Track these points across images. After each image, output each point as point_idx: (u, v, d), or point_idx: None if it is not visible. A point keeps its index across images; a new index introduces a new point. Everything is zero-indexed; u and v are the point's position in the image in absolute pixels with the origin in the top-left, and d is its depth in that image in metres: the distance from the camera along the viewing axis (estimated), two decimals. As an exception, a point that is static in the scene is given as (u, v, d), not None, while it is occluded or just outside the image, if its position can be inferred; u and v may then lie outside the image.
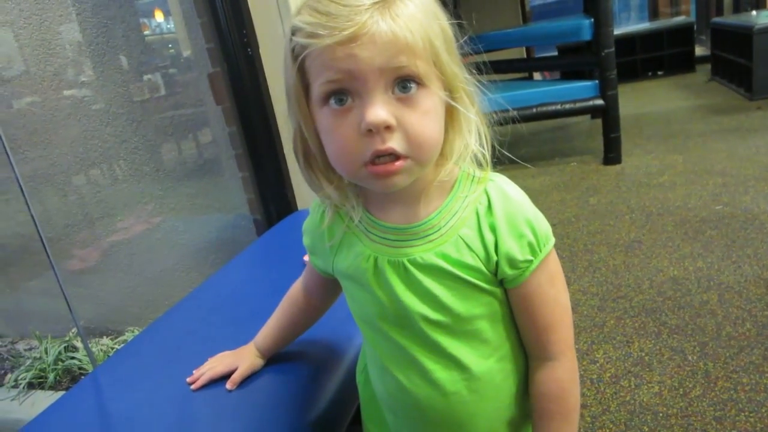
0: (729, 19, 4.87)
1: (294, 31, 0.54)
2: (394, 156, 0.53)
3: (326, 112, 0.55)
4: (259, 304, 1.12)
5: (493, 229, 0.61)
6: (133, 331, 1.79)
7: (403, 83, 0.53)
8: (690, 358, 1.58)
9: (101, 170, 2.01)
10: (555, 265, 0.64)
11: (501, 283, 0.63)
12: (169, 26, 2.51)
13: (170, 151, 2.29)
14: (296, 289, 0.86)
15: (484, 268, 0.61)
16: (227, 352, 0.91)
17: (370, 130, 0.52)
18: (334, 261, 0.69)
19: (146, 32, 2.54)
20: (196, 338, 1.06)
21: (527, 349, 0.68)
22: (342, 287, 0.73)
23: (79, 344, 1.80)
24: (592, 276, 2.12)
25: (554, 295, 0.64)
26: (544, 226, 0.63)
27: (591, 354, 1.68)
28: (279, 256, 1.41)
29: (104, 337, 1.83)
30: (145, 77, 2.27)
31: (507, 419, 0.69)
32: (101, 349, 1.78)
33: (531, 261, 0.62)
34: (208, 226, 2.03)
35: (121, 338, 1.80)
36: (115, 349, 1.75)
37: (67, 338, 1.80)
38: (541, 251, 0.62)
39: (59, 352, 1.76)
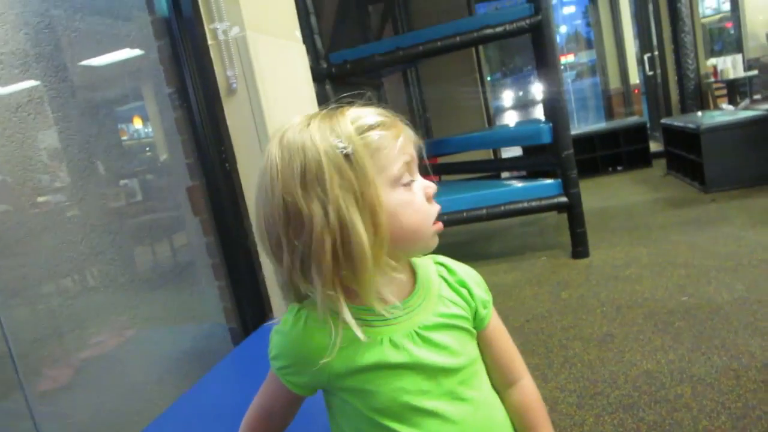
0: (677, 120, 5.23)
1: (363, 130, 0.69)
2: None
3: (401, 190, 0.70)
4: (238, 419, 1.11)
5: (462, 284, 0.78)
6: (103, 451, 1.72)
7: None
8: (670, 455, 1.58)
9: (73, 281, 2.00)
10: None
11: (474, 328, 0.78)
12: (149, 133, 2.61)
13: (146, 261, 2.30)
14: (253, 419, 0.83)
15: (468, 315, 0.77)
16: None
17: (431, 195, 0.72)
18: (332, 367, 0.70)
19: (124, 138, 2.64)
20: (171, 459, 1.04)
21: (501, 380, 0.81)
22: (340, 393, 0.73)
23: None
24: (569, 372, 2.14)
25: (504, 328, 0.82)
26: None
27: (572, 455, 1.66)
28: (256, 366, 1.41)
29: (72, 458, 1.75)
30: (123, 184, 2.33)
31: None
32: (68, 472, 1.70)
33: (489, 302, 0.80)
34: (183, 336, 2.01)
35: (89, 459, 1.72)
36: (82, 472, 1.67)
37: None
38: (490, 294, 0.81)
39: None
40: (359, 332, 0.68)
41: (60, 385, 1.59)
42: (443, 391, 0.72)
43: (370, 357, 0.70)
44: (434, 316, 0.73)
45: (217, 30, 1.80)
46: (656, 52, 7.18)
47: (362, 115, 0.70)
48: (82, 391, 1.66)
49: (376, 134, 0.69)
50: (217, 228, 1.89)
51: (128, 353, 1.85)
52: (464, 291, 0.77)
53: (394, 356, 0.70)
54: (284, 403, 0.80)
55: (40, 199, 2.00)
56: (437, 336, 0.72)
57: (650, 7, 7.07)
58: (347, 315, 0.68)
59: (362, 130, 0.68)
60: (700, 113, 5.25)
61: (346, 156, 0.66)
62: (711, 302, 2.48)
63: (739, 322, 2.24)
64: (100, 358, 1.73)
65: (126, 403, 1.75)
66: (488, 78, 8.15)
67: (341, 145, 0.66)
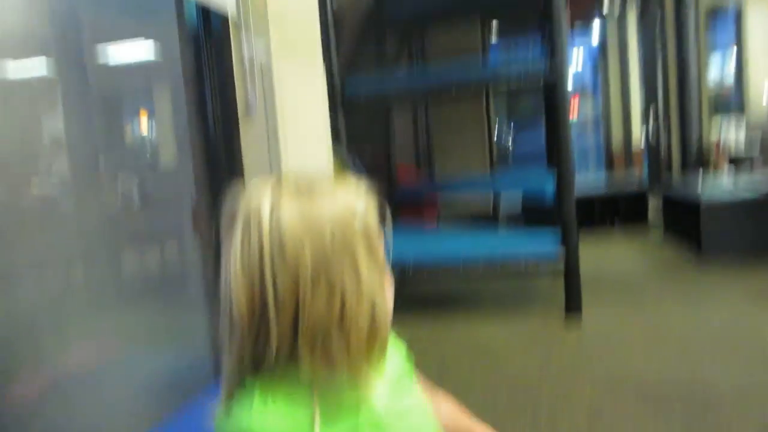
0: (678, 190, 5.25)
1: (370, 208, 0.70)
2: None
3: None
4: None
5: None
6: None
7: None
8: None
9: (57, 285, 1.91)
10: None
11: None
12: (159, 139, 2.54)
13: (138, 271, 2.22)
14: None
15: None
16: None
17: None
18: None
19: (135, 143, 2.57)
20: None
21: None
22: None
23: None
24: (556, 444, 2.07)
25: None
26: None
27: None
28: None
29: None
30: (125, 188, 2.25)
31: None
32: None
33: None
34: (168, 359, 1.92)
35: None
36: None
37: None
38: None
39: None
40: (383, 397, 0.68)
41: (24, 402, 1.49)
42: None
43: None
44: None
45: (243, 51, 1.75)
46: (660, 114, 7.28)
47: (360, 192, 0.71)
48: (48, 414, 1.57)
49: (373, 215, 0.70)
50: (215, 247, 1.83)
51: (106, 374, 1.75)
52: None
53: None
54: None
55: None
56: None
57: (659, 68, 7.18)
58: (376, 384, 0.67)
59: (369, 208, 0.70)
60: (700, 183, 5.27)
61: (365, 229, 0.68)
62: (705, 386, 2.42)
63: (733, 412, 2.19)
64: (75, 378, 1.64)
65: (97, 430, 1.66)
66: (495, 123, 8.14)
67: (359, 219, 0.68)
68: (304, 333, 0.64)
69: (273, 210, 0.65)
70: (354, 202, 0.69)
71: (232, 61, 1.76)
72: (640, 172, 8.36)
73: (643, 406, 2.30)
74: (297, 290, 0.63)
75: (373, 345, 0.67)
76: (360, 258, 0.66)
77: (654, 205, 6.31)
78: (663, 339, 2.98)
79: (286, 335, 0.64)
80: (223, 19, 1.76)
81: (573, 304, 3.47)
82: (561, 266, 3.45)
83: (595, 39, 11.62)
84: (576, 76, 13.66)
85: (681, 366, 2.64)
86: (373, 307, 0.66)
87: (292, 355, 0.64)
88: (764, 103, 7.88)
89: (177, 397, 1.68)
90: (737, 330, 2.96)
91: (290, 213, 0.65)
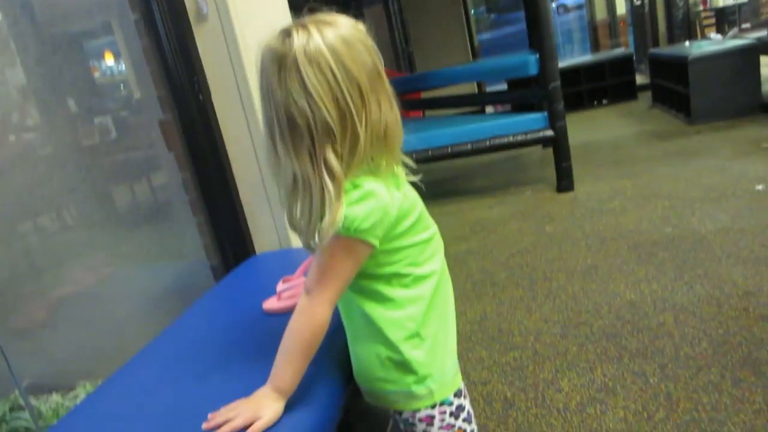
0: (665, 50, 5.13)
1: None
2: None
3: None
4: (224, 352, 1.09)
5: None
6: (84, 386, 1.70)
7: None
8: (651, 380, 1.60)
9: (49, 219, 1.94)
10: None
11: None
12: (120, 68, 2.49)
13: (122, 198, 2.24)
14: (324, 318, 0.82)
15: None
16: (242, 400, 0.84)
17: None
18: (399, 211, 0.84)
19: (96, 74, 2.52)
20: (158, 394, 1.01)
21: None
22: (385, 255, 0.86)
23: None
24: (553, 303, 2.15)
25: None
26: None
27: (556, 383, 1.69)
28: (239, 301, 1.38)
29: (53, 393, 1.74)
30: (96, 121, 2.24)
31: None
32: (50, 407, 1.69)
33: None
34: (163, 273, 1.97)
35: (72, 393, 1.71)
36: (65, 405, 1.66)
37: (12, 397, 1.70)
38: None
39: (4, 413, 1.66)
40: (402, 174, 0.90)
41: (35, 322, 1.55)
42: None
43: (405, 200, 0.86)
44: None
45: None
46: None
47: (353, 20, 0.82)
48: (60, 328, 1.63)
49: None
50: (192, 163, 1.82)
51: (107, 291, 1.81)
52: None
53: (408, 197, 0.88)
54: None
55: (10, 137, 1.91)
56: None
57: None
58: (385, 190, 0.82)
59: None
60: (687, 43, 5.15)
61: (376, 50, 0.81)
62: (695, 233, 2.49)
63: (722, 252, 2.26)
64: (78, 295, 1.69)
65: (107, 339, 1.73)
66: (472, 12, 7.87)
67: (370, 43, 0.80)
68: (371, 135, 0.80)
69: (327, 45, 0.76)
70: (360, 24, 0.82)
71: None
72: (626, 45, 8.16)
73: (635, 258, 2.38)
74: (363, 101, 0.78)
75: (400, 143, 0.86)
76: (384, 77, 0.82)
77: (641, 78, 6.20)
78: (652, 198, 3.02)
79: (365, 138, 0.79)
80: None
81: (564, 183, 3.49)
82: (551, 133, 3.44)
83: None
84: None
85: (670, 220, 2.70)
86: (396, 116, 0.83)
87: (366, 152, 0.80)
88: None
89: (183, 300, 1.74)
90: (724, 184, 2.99)
91: (338, 44, 0.77)
